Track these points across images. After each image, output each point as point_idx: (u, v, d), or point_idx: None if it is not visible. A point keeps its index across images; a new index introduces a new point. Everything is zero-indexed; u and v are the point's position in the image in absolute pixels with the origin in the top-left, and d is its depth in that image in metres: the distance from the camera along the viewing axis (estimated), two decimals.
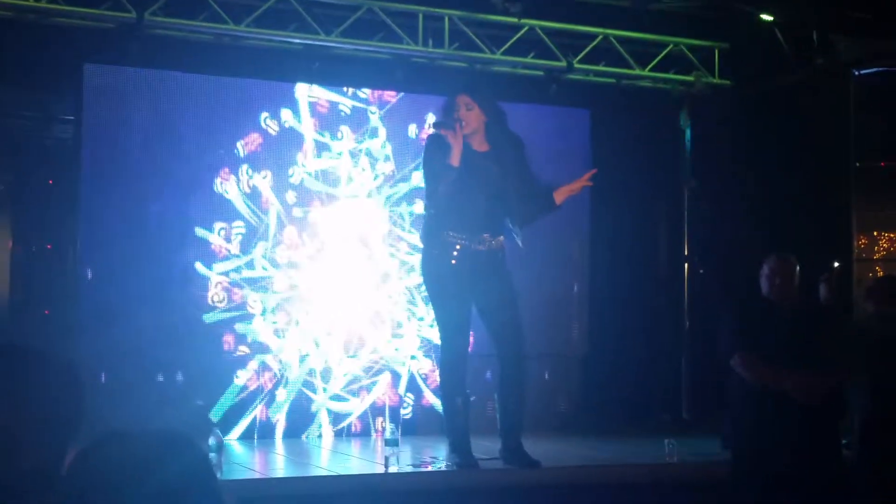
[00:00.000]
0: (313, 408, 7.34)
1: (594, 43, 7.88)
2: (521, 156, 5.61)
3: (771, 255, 5.57)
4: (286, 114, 7.45)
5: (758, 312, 5.50)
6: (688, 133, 8.37)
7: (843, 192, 7.98)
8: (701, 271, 8.13)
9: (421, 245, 5.78)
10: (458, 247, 5.40)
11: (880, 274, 8.16)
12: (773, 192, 8.01)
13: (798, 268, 5.54)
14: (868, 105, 7.98)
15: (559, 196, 5.57)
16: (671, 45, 8.06)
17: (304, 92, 7.53)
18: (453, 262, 5.40)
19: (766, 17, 7.69)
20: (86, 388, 1.84)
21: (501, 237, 5.53)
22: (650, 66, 8.06)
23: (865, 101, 7.99)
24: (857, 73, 7.95)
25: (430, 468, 5.94)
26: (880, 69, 7.94)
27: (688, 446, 6.39)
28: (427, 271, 5.59)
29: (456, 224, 5.41)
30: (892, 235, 8.80)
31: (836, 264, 7.92)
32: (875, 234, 9.14)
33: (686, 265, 8.22)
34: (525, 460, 5.54)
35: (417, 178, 7.78)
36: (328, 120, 7.59)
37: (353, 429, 7.42)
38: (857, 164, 8.00)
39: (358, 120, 7.68)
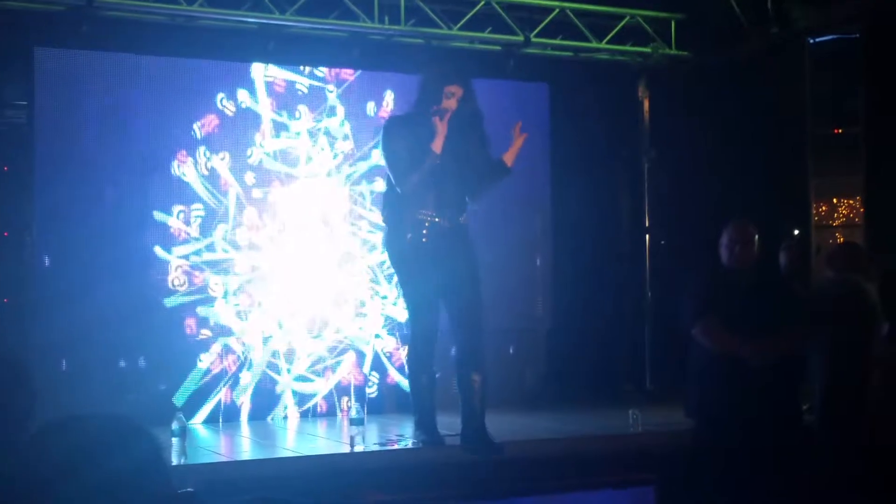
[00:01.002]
0: (278, 389, 7.31)
1: (551, 16, 7.86)
2: (481, 130, 5.59)
3: (730, 223, 5.60)
4: (243, 94, 7.39)
5: (718, 281, 5.53)
6: (646, 104, 8.38)
7: (801, 160, 8.03)
8: (662, 242, 8.17)
9: (384, 224, 5.73)
10: (426, 224, 5.37)
11: (840, 241, 8.24)
12: (732, 162, 8.05)
13: (757, 236, 5.57)
14: (824, 72, 8.03)
15: (508, 158, 5.56)
16: (628, 17, 8.06)
17: (261, 72, 7.46)
18: (424, 240, 5.37)
19: None
20: (34, 383, 1.83)
21: (465, 213, 5.52)
22: (607, 39, 8.06)
23: (821, 68, 8.03)
24: (812, 41, 7.99)
25: (395, 446, 5.95)
26: (835, 37, 7.98)
27: (651, 416, 6.43)
28: (394, 250, 5.54)
29: (426, 202, 5.37)
30: (850, 202, 8.88)
31: (797, 232, 7.98)
32: (835, 200, 9.21)
33: (647, 236, 8.26)
34: (486, 447, 5.48)
35: (377, 157, 7.74)
36: (285, 99, 7.53)
37: (318, 409, 7.41)
38: (816, 132, 8.05)
39: (315, 99, 7.62)
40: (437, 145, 5.31)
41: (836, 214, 9.54)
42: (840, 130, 8.32)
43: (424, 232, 5.37)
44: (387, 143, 5.46)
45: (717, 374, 5.39)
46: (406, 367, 5.70)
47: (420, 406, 5.69)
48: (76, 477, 1.43)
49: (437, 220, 5.38)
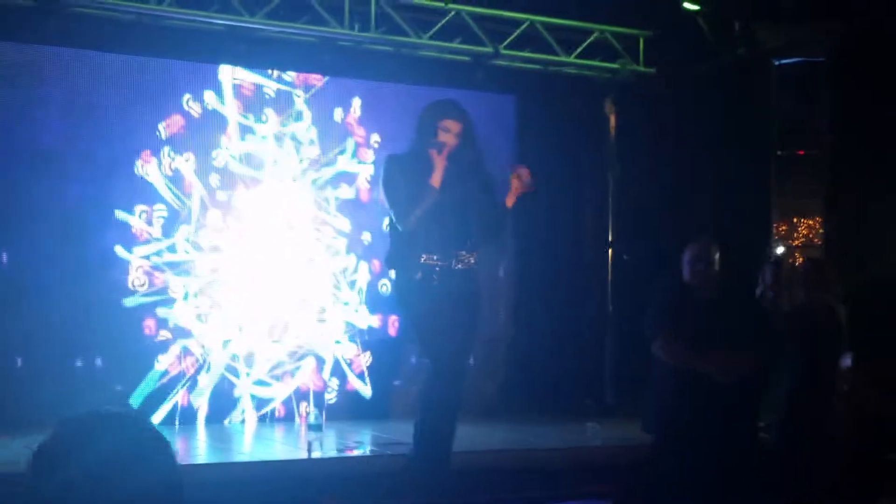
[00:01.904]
0: (236, 393, 7.26)
1: (520, 29, 7.88)
2: (484, 174, 5.33)
3: (693, 241, 5.65)
4: (209, 96, 7.34)
5: (680, 297, 5.57)
6: (612, 120, 8.43)
7: (764, 180, 8.11)
8: (625, 257, 8.21)
9: (388, 266, 5.49)
10: (437, 269, 5.09)
11: (800, 260, 8.32)
12: (696, 179, 8.12)
13: (719, 254, 5.62)
14: (789, 94, 8.11)
15: (508, 201, 5.27)
16: (596, 33, 8.10)
17: (228, 74, 7.42)
18: (434, 282, 5.09)
19: (690, 6, 7.76)
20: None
21: (475, 253, 5.23)
22: (576, 54, 8.09)
23: (786, 89, 8.12)
24: (777, 62, 8.08)
25: (353, 453, 5.93)
26: (800, 59, 8.07)
27: (610, 430, 6.46)
28: (402, 291, 5.26)
29: (430, 245, 5.10)
30: (810, 222, 8.98)
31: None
32: (794, 220, 9.31)
33: (610, 251, 8.29)
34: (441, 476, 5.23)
35: (343, 163, 7.73)
36: (252, 103, 7.49)
37: (276, 414, 7.36)
38: (778, 153, 8.13)
39: (283, 103, 7.59)
40: (436, 179, 5.06)
41: (795, 234, 9.64)
42: (803, 152, 8.41)
43: (434, 277, 5.09)
44: (387, 181, 5.19)
45: (676, 390, 5.43)
46: (423, 407, 5.22)
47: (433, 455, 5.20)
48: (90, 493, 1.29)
49: (443, 263, 5.10)
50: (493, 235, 5.44)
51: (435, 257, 5.10)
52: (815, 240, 8.76)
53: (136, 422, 1.39)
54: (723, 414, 5.31)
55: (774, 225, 8.34)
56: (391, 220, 5.23)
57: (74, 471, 1.25)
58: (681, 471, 5.31)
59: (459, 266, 5.14)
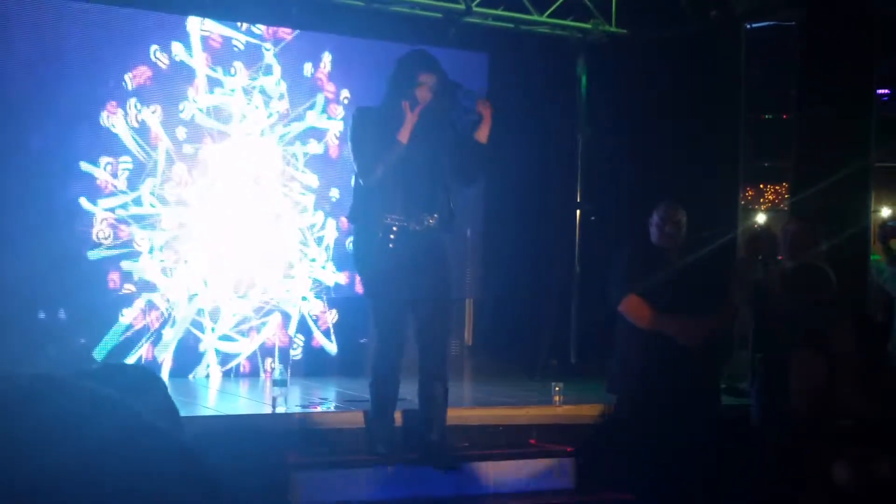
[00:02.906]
0: (201, 347, 7.23)
1: None
2: (457, 129, 5.22)
3: (661, 203, 5.67)
4: (177, 47, 7.24)
5: (646, 259, 5.60)
6: (584, 81, 8.40)
7: (732, 144, 8.13)
8: (592, 218, 8.22)
9: (351, 224, 5.36)
10: (394, 228, 4.96)
11: (764, 226, 8.36)
12: (665, 142, 8.12)
13: (686, 217, 5.64)
14: (759, 58, 8.12)
15: (481, 135, 5.15)
16: None
17: (197, 25, 7.31)
18: (391, 245, 4.96)
19: None
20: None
21: (436, 215, 5.10)
22: (548, 13, 8.05)
23: (756, 54, 8.13)
24: (749, 26, 8.08)
25: (318, 409, 5.93)
26: (771, 23, 8.07)
27: (574, 390, 6.49)
28: (360, 252, 5.14)
29: (393, 205, 4.97)
30: (776, 187, 9.03)
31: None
32: (761, 186, 9.36)
33: (578, 212, 8.30)
34: (444, 461, 5.21)
35: (312, 118, 7.67)
36: (221, 55, 7.40)
37: (241, 369, 7.35)
38: (747, 117, 8.16)
39: (252, 56, 7.50)
40: (404, 135, 4.93)
41: (761, 199, 9.70)
42: (769, 116, 8.44)
43: (392, 237, 4.96)
44: (355, 132, 5.06)
45: (640, 351, 5.47)
46: (371, 377, 5.21)
47: (381, 419, 5.23)
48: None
49: (404, 224, 4.98)
50: (472, 177, 5.37)
51: (396, 217, 4.98)
52: (782, 205, 8.81)
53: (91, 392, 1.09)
54: (685, 376, 5.35)
55: (742, 190, 8.38)
56: (355, 176, 5.12)
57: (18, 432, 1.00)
58: (643, 431, 5.35)
59: (417, 228, 5.02)
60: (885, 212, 8.23)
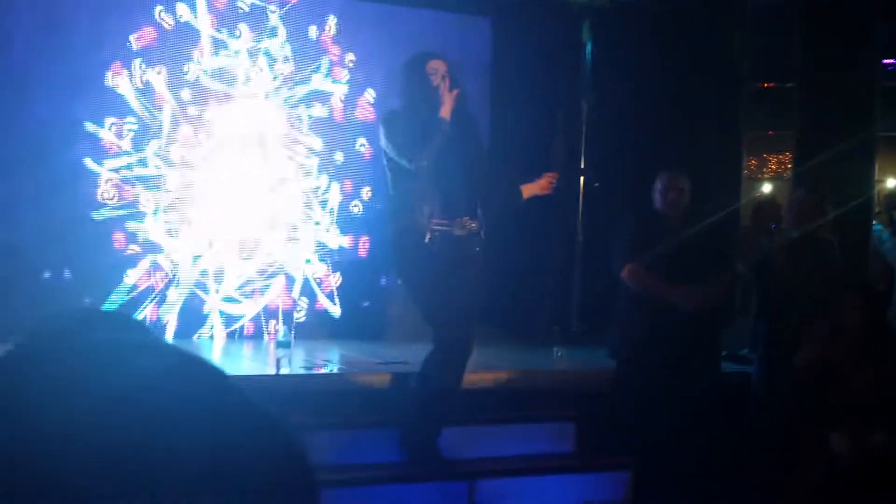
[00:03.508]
0: (205, 309, 7.27)
1: None
2: (477, 135, 5.22)
3: (664, 170, 5.69)
4: (182, 8, 7.22)
5: (649, 227, 5.63)
6: (589, 47, 8.39)
7: (735, 112, 8.14)
8: (596, 184, 8.24)
9: (392, 224, 5.13)
10: (436, 233, 4.83)
11: (769, 195, 8.39)
12: (669, 110, 8.12)
13: (689, 184, 5.67)
14: (763, 26, 8.11)
15: (527, 190, 5.23)
16: None
17: None
18: (436, 247, 4.83)
19: None
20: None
21: (478, 220, 5.00)
22: None
23: (761, 22, 8.12)
24: None
25: (322, 371, 5.98)
26: None
27: (576, 356, 6.55)
28: (405, 261, 5.03)
29: (433, 208, 4.84)
30: (780, 157, 9.04)
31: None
32: (764, 155, 9.37)
33: (581, 178, 8.32)
34: (429, 459, 5.05)
35: (317, 81, 7.66)
36: (226, 17, 7.38)
37: (245, 331, 7.39)
38: (751, 85, 8.16)
39: (257, 18, 7.48)
40: (446, 111, 4.80)
41: (765, 169, 9.72)
42: (773, 85, 8.44)
43: (436, 242, 4.83)
44: (389, 131, 4.92)
45: (641, 317, 5.52)
46: (427, 376, 4.97)
47: (431, 423, 5.03)
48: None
49: (445, 228, 4.85)
50: (495, 209, 5.19)
51: (439, 219, 4.84)
52: (785, 174, 8.83)
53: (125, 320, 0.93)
54: (686, 342, 5.40)
55: (745, 159, 8.40)
56: (393, 179, 4.95)
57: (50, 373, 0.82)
58: (644, 396, 5.41)
59: (459, 232, 4.89)
60: (892, 182, 8.25)
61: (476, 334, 5.06)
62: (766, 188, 8.36)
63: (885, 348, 5.13)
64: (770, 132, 9.39)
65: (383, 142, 4.97)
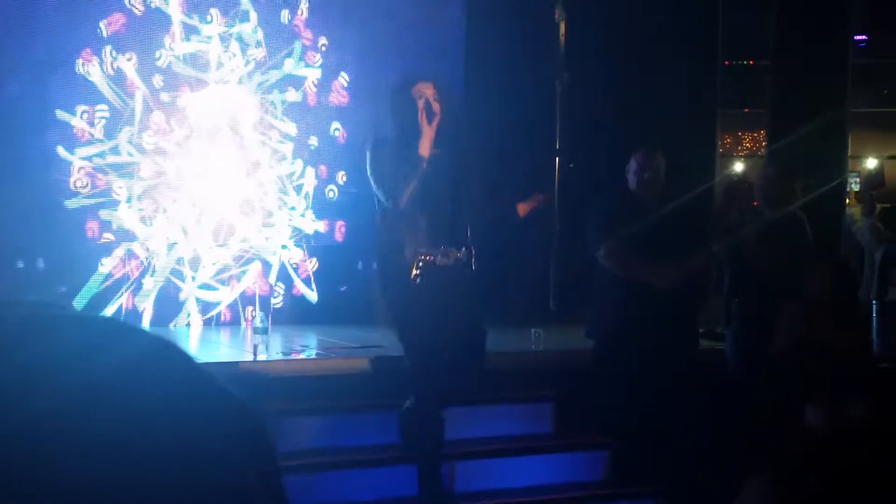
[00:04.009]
0: (181, 296, 7.24)
1: None
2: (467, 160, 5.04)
3: (639, 150, 5.69)
4: None
5: (624, 206, 5.63)
6: (562, 27, 8.36)
7: (710, 91, 8.15)
8: (571, 165, 8.23)
9: (378, 259, 4.99)
10: (420, 262, 4.60)
11: (741, 175, 8.41)
12: (644, 88, 8.13)
13: (664, 163, 5.67)
14: (738, 4, 8.12)
15: (521, 209, 5.14)
16: None
17: None
18: (417, 280, 4.60)
19: None
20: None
21: (463, 248, 4.81)
22: None
23: (736, 0, 8.13)
24: None
25: (299, 356, 5.96)
26: None
27: (553, 336, 6.55)
28: (390, 292, 4.79)
29: (417, 236, 4.64)
30: (754, 135, 9.06)
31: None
32: (739, 133, 9.39)
33: (557, 159, 8.31)
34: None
35: (290, 66, 7.62)
36: (197, 2, 7.33)
37: (222, 318, 7.37)
38: (726, 63, 8.17)
39: (228, 3, 7.43)
40: (424, 147, 4.61)
41: (739, 147, 9.74)
42: (747, 62, 8.45)
43: (416, 271, 4.60)
44: (373, 161, 4.70)
45: (618, 297, 5.52)
46: (412, 419, 4.82)
47: (430, 460, 4.87)
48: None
49: (430, 257, 4.64)
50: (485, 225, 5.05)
51: (423, 250, 4.63)
52: (760, 152, 8.85)
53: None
54: (662, 320, 5.41)
55: (719, 137, 8.41)
56: (379, 205, 4.78)
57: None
58: (621, 375, 5.42)
59: (442, 260, 4.69)
60: (872, 162, 8.29)
61: (469, 366, 4.88)
62: (739, 167, 8.38)
63: (857, 322, 5.16)
64: (745, 109, 9.41)
65: (368, 171, 4.75)
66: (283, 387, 5.32)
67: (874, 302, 6.61)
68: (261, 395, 5.18)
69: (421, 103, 4.66)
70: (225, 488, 0.77)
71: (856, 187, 8.89)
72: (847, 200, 7.37)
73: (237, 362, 5.76)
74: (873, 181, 7.94)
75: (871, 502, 1.34)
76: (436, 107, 4.67)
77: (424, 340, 4.73)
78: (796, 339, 5.26)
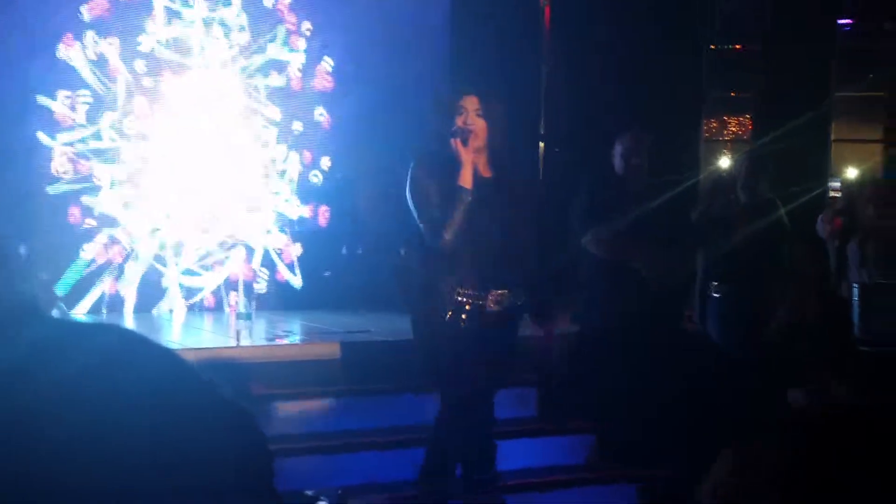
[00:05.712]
0: (164, 282, 7.20)
1: None
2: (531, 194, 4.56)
3: (625, 133, 5.67)
4: None
5: (610, 191, 5.61)
6: (547, 12, 8.33)
7: (696, 75, 8.13)
8: (556, 150, 8.21)
9: (403, 293, 4.40)
10: (466, 307, 3.96)
11: (729, 156, 8.40)
12: (630, 72, 8.10)
13: (650, 146, 5.65)
14: None
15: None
16: None
17: None
18: (462, 324, 3.95)
19: None
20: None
21: (514, 292, 4.10)
22: None
23: None
24: None
25: (283, 342, 5.94)
26: None
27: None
28: (425, 337, 4.20)
29: (460, 276, 4.02)
30: (740, 119, 9.05)
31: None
32: (725, 118, 9.38)
33: (541, 144, 8.29)
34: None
35: (273, 50, 7.57)
36: None
37: (205, 303, 7.33)
38: (712, 47, 8.16)
39: None
40: (465, 178, 4.03)
41: (725, 132, 9.73)
42: (732, 46, 8.43)
43: (464, 317, 3.94)
44: (413, 187, 4.12)
45: (604, 282, 5.51)
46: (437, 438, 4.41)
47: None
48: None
49: (474, 300, 3.97)
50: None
51: (467, 292, 3.96)
52: (745, 136, 8.84)
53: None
54: (648, 306, 5.40)
55: (704, 121, 8.41)
56: (412, 239, 4.25)
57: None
58: (606, 360, 5.42)
59: (494, 307, 4.02)
60: (851, 172, 8.26)
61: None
62: (725, 162, 8.35)
63: (839, 301, 5.17)
64: (732, 94, 9.39)
65: (407, 195, 4.17)
66: (267, 372, 5.29)
67: (854, 286, 6.62)
68: (244, 381, 5.15)
69: (459, 121, 4.06)
70: (221, 487, 0.85)
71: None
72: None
73: (220, 348, 5.74)
74: (846, 205, 7.93)
75: (849, 482, 1.32)
76: (476, 124, 4.08)
77: (461, 383, 4.19)
78: (780, 321, 5.26)
